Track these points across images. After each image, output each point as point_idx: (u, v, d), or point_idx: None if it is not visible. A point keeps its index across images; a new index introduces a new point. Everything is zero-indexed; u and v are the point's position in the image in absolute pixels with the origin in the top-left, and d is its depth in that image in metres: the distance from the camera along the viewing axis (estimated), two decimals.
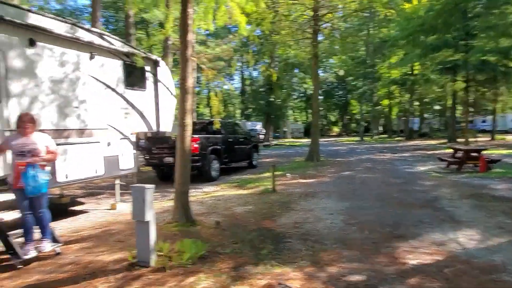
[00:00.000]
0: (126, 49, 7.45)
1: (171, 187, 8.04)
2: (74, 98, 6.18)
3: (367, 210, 6.65)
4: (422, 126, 42.50)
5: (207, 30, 9.28)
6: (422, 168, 12.73)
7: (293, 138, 47.98)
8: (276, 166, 9.48)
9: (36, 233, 4.52)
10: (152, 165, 11.42)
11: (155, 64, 8.32)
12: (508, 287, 3.48)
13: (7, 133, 4.92)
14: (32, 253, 4.33)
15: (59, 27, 5.93)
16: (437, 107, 41.48)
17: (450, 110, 30.40)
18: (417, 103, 39.08)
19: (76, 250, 4.77)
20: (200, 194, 8.83)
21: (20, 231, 4.45)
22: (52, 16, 6.16)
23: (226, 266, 4.03)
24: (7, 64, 5.06)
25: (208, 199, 8.04)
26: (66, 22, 6.21)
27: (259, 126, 36.54)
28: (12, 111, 5.04)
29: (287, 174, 11.52)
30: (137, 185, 4.21)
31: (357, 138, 40.24)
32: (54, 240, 4.68)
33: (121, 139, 7.14)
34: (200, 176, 10.92)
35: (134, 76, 7.59)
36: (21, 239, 4.42)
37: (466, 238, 4.89)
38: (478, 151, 11.79)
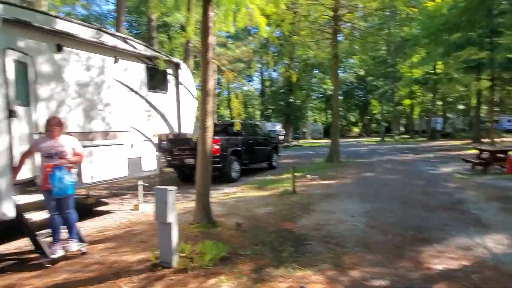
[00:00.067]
0: (149, 52, 7.59)
1: (192, 188, 8.13)
2: (99, 101, 6.34)
3: (389, 213, 6.54)
4: (445, 126, 41.52)
5: (227, 32, 9.34)
6: (445, 170, 12.43)
7: (312, 139, 47.65)
8: (296, 167, 9.43)
9: (63, 233, 4.65)
10: (174, 166, 11.59)
11: (177, 66, 8.44)
12: None
13: (36, 136, 5.08)
14: (60, 253, 4.45)
15: (85, 32, 6.09)
16: (461, 107, 40.46)
17: (474, 110, 29.59)
18: (440, 102, 38.22)
19: (101, 250, 4.88)
20: (221, 195, 8.89)
21: (48, 231, 4.58)
22: (78, 21, 6.34)
23: (247, 268, 4.04)
24: (36, 69, 5.23)
25: (228, 200, 8.09)
26: (91, 27, 6.38)
27: (278, 127, 36.44)
28: (41, 115, 5.21)
29: (307, 175, 11.46)
30: (160, 187, 4.25)
31: (378, 139, 39.62)
32: (80, 240, 4.81)
33: (144, 141, 7.28)
34: (221, 177, 10.99)
35: (156, 79, 7.72)
36: (49, 239, 4.55)
37: (494, 243, 4.75)
38: (505, 151, 11.43)
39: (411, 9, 15.43)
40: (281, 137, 31.17)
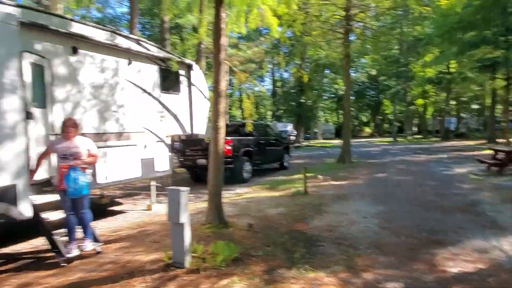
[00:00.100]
0: (161, 54, 7.67)
1: (204, 188, 8.17)
2: (113, 102, 6.43)
3: (402, 214, 6.48)
4: (459, 126, 40.93)
5: (239, 33, 9.37)
6: (460, 170, 12.24)
7: (324, 139, 47.44)
8: (307, 167, 9.42)
9: (79, 233, 4.72)
10: (186, 166, 11.69)
11: (189, 68, 8.50)
12: None
13: (52, 137, 5.18)
14: (75, 252, 4.53)
15: (100, 35, 6.18)
16: (475, 106, 39.81)
17: (489, 109, 29.12)
18: (453, 102, 37.67)
19: (115, 249, 4.93)
20: (232, 196, 8.91)
21: (64, 230, 4.66)
22: (93, 24, 6.44)
23: (259, 269, 4.05)
24: (52, 72, 5.33)
25: (240, 201, 8.11)
26: (106, 30, 6.47)
27: (290, 127, 36.39)
28: (56, 116, 5.31)
29: (319, 176, 11.41)
30: (173, 188, 4.27)
31: (390, 139, 39.26)
32: (95, 239, 4.87)
33: (157, 141, 7.35)
34: (233, 177, 11.02)
35: (169, 80, 7.79)
36: (65, 238, 4.63)
37: (511, 246, 4.66)
38: None
39: (424, 8, 15.25)
40: (292, 138, 31.12)
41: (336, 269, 4.01)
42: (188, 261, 4.13)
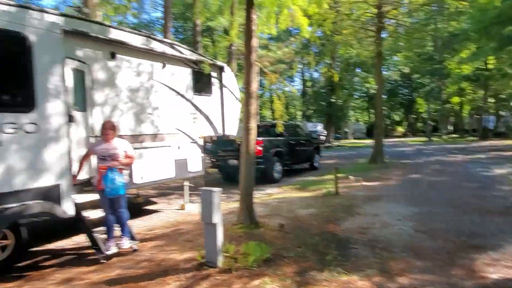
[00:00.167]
0: (194, 57, 7.83)
1: (235, 189, 8.26)
2: (148, 105, 6.64)
3: (438, 217, 6.29)
4: (498, 124, 39.04)
5: (269, 34, 9.41)
6: (499, 171, 11.70)
7: (354, 139, 46.64)
8: (338, 168, 9.30)
9: (117, 231, 4.92)
10: (218, 167, 11.89)
11: (221, 70, 8.63)
12: None
13: (92, 140, 5.42)
14: (113, 249, 4.72)
15: (136, 40, 6.40)
16: None
17: None
18: (492, 99, 35.95)
19: (151, 247, 5.09)
20: (263, 196, 8.96)
21: (103, 228, 4.87)
22: (130, 30, 6.68)
23: (290, 271, 4.05)
24: (92, 76, 5.58)
25: (271, 201, 8.14)
26: (141, 35, 6.68)
27: (320, 127, 36.03)
28: (96, 119, 5.55)
29: (350, 177, 11.24)
30: (206, 188, 4.34)
31: (424, 139, 38.06)
32: (132, 237, 5.06)
33: (189, 143, 7.52)
34: (263, 178, 11.07)
35: (201, 82, 7.95)
36: (104, 236, 4.84)
37: None
38: None
39: (460, 3, 14.66)
40: (322, 138, 30.82)
41: (369, 273, 3.95)
42: (220, 260, 4.19)
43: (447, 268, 4.05)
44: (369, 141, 33.68)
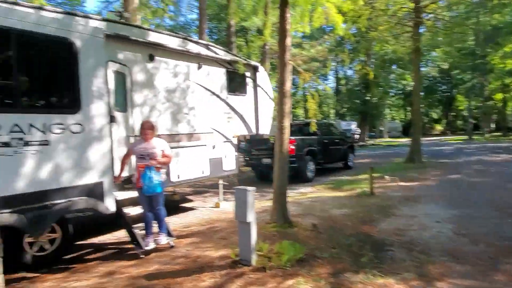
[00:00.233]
0: (228, 57, 7.94)
1: (268, 187, 8.29)
2: (185, 105, 6.81)
3: (480, 220, 6.03)
4: None
5: (302, 32, 9.35)
6: None
7: (390, 137, 45.41)
8: (373, 167, 9.11)
9: (154, 227, 5.08)
10: (251, 166, 12.00)
11: (255, 69, 8.69)
12: None
13: (132, 139, 5.64)
14: (152, 245, 4.89)
15: (173, 42, 6.58)
16: None
17: None
18: None
19: (187, 244, 5.22)
20: (296, 195, 8.94)
21: (142, 224, 5.06)
22: (167, 32, 6.87)
23: (324, 271, 4.03)
24: (132, 78, 5.80)
25: (304, 200, 8.11)
26: (178, 37, 6.86)
27: (353, 125, 35.38)
28: (136, 119, 5.77)
29: (386, 176, 10.99)
30: (240, 187, 4.39)
31: (465, 137, 36.42)
32: (169, 234, 5.20)
33: (224, 142, 7.64)
34: (296, 177, 11.06)
35: (235, 82, 8.06)
36: (143, 232, 5.02)
37: None
38: None
39: None
40: (356, 136, 30.26)
41: (406, 276, 3.86)
42: (254, 259, 4.22)
43: (489, 273, 3.89)
44: (405, 140, 32.73)
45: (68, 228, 4.88)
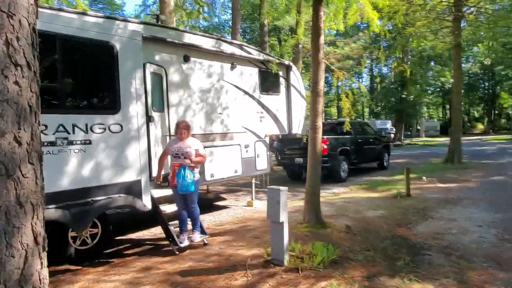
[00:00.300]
0: (261, 56, 7.97)
1: (300, 187, 8.27)
2: (218, 105, 6.91)
3: None
4: None
5: (336, 30, 9.23)
6: None
7: (427, 137, 43.82)
8: (410, 167, 8.84)
9: (189, 225, 5.20)
10: (283, 165, 11.99)
11: (287, 69, 8.67)
12: None
13: (168, 138, 5.78)
14: (186, 242, 5.00)
15: (207, 43, 6.69)
16: None
17: None
18: None
19: (220, 242, 5.30)
20: (329, 195, 8.85)
21: (176, 222, 5.19)
22: (201, 33, 6.99)
23: (358, 274, 3.96)
24: (168, 79, 5.95)
25: (337, 201, 8.01)
26: (212, 38, 6.96)
27: (389, 124, 34.44)
28: (171, 119, 5.91)
29: (423, 177, 10.65)
30: (273, 187, 4.39)
31: (508, 136, 34.51)
32: (202, 231, 5.29)
33: (256, 141, 7.68)
34: (329, 176, 10.94)
35: (268, 82, 8.07)
36: (177, 229, 5.15)
37: None
38: None
39: None
40: (391, 135, 29.46)
41: (445, 282, 3.74)
42: (286, 259, 4.21)
43: None
44: (443, 139, 31.51)
45: (108, 223, 5.09)
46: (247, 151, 7.41)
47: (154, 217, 5.47)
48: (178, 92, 6.16)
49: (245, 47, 7.65)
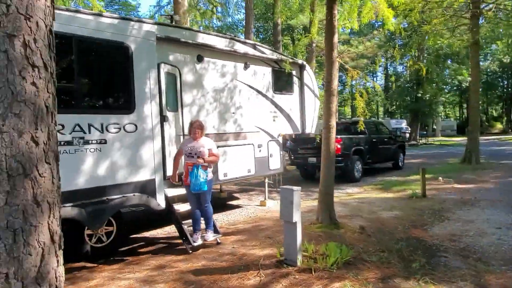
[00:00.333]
0: (275, 56, 7.95)
1: (313, 186, 8.22)
2: (232, 104, 6.92)
3: None
4: None
5: (350, 29, 9.14)
6: None
7: (443, 136, 43.07)
8: (426, 168, 8.69)
9: (202, 224, 5.23)
10: (297, 164, 11.96)
11: (301, 68, 8.63)
12: None
13: (181, 138, 5.82)
14: (199, 241, 5.03)
15: (220, 42, 6.71)
16: None
17: None
18: None
19: (232, 241, 5.31)
20: (343, 195, 8.78)
21: (190, 221, 5.22)
22: (215, 33, 7.02)
23: (373, 276, 3.91)
24: (182, 79, 5.99)
25: (351, 201, 7.94)
26: (225, 37, 6.99)
27: (404, 124, 33.97)
28: (185, 119, 5.95)
29: (440, 178, 10.46)
30: (286, 187, 4.38)
31: None
32: (215, 231, 5.32)
33: (269, 141, 7.67)
34: (343, 176, 10.87)
35: (281, 81, 8.06)
36: (191, 228, 5.18)
37: None
38: None
39: None
40: (406, 135, 29.06)
41: (462, 286, 3.66)
42: (299, 260, 4.19)
43: None
44: (460, 139, 30.95)
45: (123, 222, 5.16)
46: (260, 151, 7.41)
47: (168, 216, 5.51)
48: (192, 91, 6.20)
49: (258, 47, 7.65)
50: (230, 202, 8.67)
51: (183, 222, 5.18)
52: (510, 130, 49.67)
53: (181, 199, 5.46)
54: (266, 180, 8.16)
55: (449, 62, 38.39)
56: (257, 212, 7.40)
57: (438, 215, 6.49)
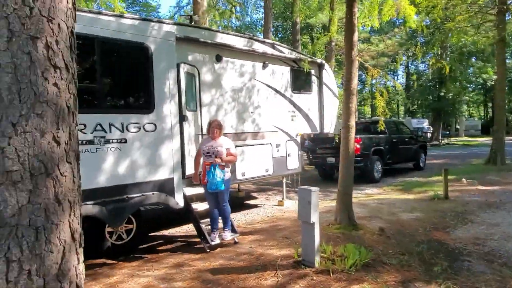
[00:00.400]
0: (293, 55, 7.90)
1: (332, 187, 8.14)
2: (250, 104, 6.93)
3: None
4: None
5: (370, 27, 9.01)
6: None
7: (466, 136, 41.94)
8: (448, 168, 8.47)
9: (220, 223, 5.25)
10: (315, 164, 11.88)
11: (320, 67, 8.55)
12: None
13: (200, 137, 5.87)
14: (217, 240, 5.05)
15: (239, 42, 6.72)
16: None
17: None
18: None
19: (250, 241, 5.31)
20: (362, 196, 8.66)
21: (208, 220, 5.25)
22: (233, 33, 7.03)
23: (392, 279, 3.84)
24: (201, 78, 6.03)
25: (370, 202, 7.83)
26: (244, 37, 6.99)
27: (425, 123, 33.24)
28: (204, 118, 5.99)
29: (463, 179, 10.19)
30: (304, 187, 4.34)
31: None
32: (233, 230, 5.34)
33: (288, 140, 7.63)
34: (362, 177, 10.72)
35: (300, 80, 8.01)
36: (209, 227, 5.21)
37: None
38: None
39: None
40: (429, 135, 28.44)
41: None
42: (317, 261, 4.16)
43: None
44: (484, 139, 30.09)
45: (142, 220, 5.24)
46: (278, 150, 7.38)
47: (186, 215, 5.56)
48: (211, 91, 6.23)
49: (277, 46, 7.62)
50: (248, 202, 8.68)
51: (201, 221, 5.21)
52: None
53: (199, 198, 5.50)
54: (284, 180, 8.12)
55: (473, 60, 37.30)
56: (274, 212, 7.38)
57: (461, 217, 6.31)
